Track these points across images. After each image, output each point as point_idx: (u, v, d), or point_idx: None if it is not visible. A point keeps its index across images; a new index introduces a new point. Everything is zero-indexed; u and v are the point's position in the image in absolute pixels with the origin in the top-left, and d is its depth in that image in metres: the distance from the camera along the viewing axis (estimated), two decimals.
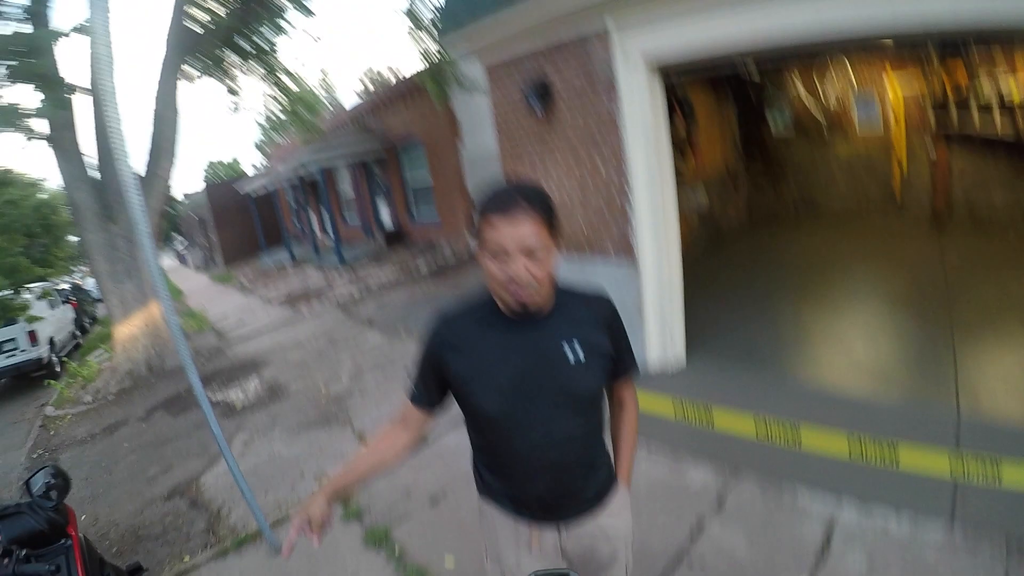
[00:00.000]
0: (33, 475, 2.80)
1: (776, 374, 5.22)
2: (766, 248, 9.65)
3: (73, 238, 14.82)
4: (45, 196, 15.69)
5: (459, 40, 6.17)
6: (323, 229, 21.52)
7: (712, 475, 3.99)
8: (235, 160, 50.09)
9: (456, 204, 14.18)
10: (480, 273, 1.66)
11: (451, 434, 4.92)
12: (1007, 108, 8.27)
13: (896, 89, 9.52)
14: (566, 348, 1.69)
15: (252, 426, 6.28)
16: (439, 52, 11.25)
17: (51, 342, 13.22)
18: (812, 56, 4.71)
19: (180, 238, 40.62)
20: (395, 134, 15.78)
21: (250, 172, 37.66)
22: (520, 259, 1.55)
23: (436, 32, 11.09)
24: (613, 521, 1.88)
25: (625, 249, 5.46)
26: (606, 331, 1.77)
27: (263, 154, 41.98)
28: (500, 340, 1.70)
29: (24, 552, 2.34)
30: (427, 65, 11.56)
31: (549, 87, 5.58)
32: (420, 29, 11.26)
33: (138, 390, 9.55)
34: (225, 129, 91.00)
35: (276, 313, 12.19)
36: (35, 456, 8.16)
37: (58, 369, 12.95)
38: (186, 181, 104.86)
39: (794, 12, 4.08)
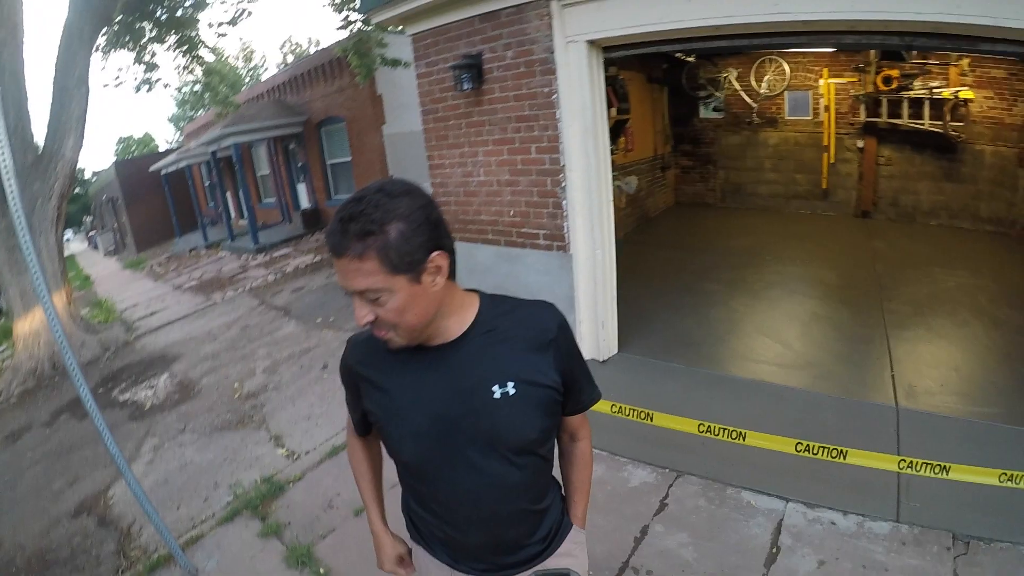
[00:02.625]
0: None
1: (712, 366, 5.11)
2: (694, 234, 9.63)
3: None
4: None
5: (384, 6, 5.73)
6: (239, 210, 20.53)
7: (653, 475, 3.85)
8: (147, 135, 47.52)
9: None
10: None
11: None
12: (935, 103, 8.54)
13: (828, 80, 9.65)
14: (492, 383, 1.38)
15: (162, 429, 5.76)
16: (363, 22, 10.69)
17: None
18: (750, 45, 4.62)
19: (91, 220, 38.14)
20: (315, 109, 15.11)
21: (164, 148, 35.83)
22: (359, 302, 1.27)
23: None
24: (566, 561, 1.60)
25: (557, 237, 5.20)
26: (549, 357, 1.43)
27: (177, 129, 40.01)
28: (414, 375, 1.41)
29: None
30: (350, 36, 11.01)
31: (480, 61, 5.22)
32: None
33: (42, 391, 8.71)
34: (137, 102, 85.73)
35: (188, 301, 11.48)
36: None
37: None
38: (96, 158, 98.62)
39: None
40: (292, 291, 9.72)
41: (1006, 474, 3.10)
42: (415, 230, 1.21)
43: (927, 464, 3.22)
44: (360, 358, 1.49)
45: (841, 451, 3.40)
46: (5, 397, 8.87)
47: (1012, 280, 6.70)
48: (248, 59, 38.09)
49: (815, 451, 3.43)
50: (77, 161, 9.17)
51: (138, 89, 12.01)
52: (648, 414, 3.75)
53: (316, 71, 14.69)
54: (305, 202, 16.75)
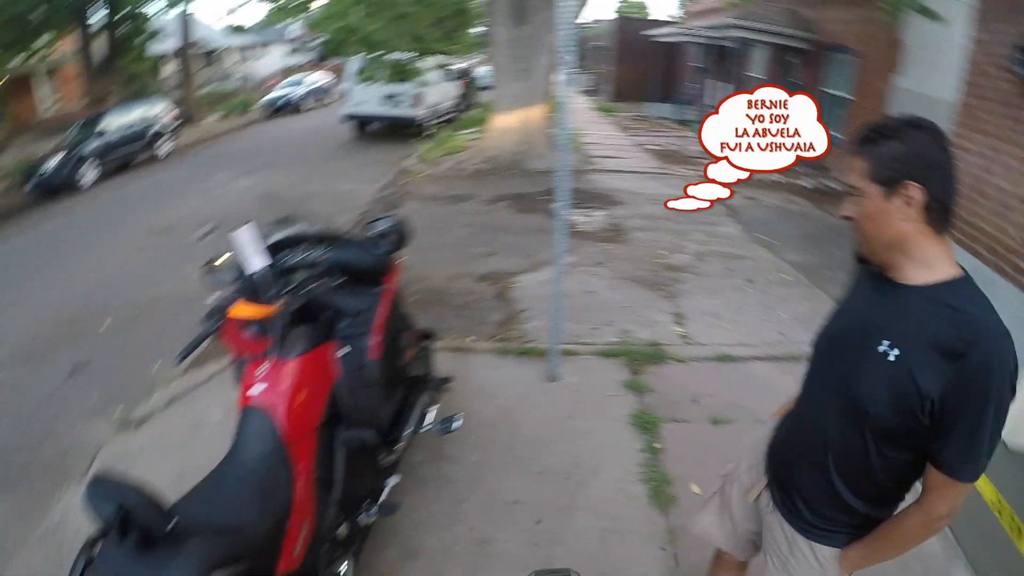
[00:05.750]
0: (378, 219, 2.95)
1: None
2: None
3: (475, 30, 15.88)
4: None
5: None
6: (718, 101, 20.42)
7: None
8: (643, 3, 49.05)
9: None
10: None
11: (761, 363, 4.37)
12: None
13: None
14: (886, 340, 1.33)
15: (582, 254, 6.23)
16: None
17: (431, 108, 15.44)
18: None
19: (573, 59, 41.68)
20: (826, 31, 13.70)
21: (660, 18, 36.83)
22: (847, 199, 1.40)
23: None
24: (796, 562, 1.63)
25: None
26: (944, 370, 1.25)
27: (682, 6, 40.52)
28: (855, 289, 1.54)
29: (342, 279, 2.42)
30: None
31: None
32: None
33: (492, 176, 10.23)
34: None
35: (645, 161, 12.02)
36: (384, 194, 9.42)
37: (429, 133, 14.74)
38: (593, 9, 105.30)
39: None
40: (745, 197, 9.39)
41: None
42: (906, 155, 1.29)
43: None
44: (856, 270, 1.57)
45: None
46: (461, 168, 10.70)
47: None
48: None
49: None
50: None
51: None
52: None
53: None
54: None
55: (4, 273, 8.20)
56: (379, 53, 11.43)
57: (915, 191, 1.27)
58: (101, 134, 14.15)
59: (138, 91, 22.36)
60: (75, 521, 3.22)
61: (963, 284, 1.33)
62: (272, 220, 2.72)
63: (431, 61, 13.54)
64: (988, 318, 1.28)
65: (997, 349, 1.25)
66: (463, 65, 20.53)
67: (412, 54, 11.98)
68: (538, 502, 3.07)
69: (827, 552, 1.58)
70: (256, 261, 2.24)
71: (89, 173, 13.39)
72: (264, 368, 2.15)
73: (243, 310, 2.16)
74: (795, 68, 15.68)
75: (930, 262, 1.33)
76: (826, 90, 14.12)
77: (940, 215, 1.31)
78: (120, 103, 17.25)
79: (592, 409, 3.77)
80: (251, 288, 2.27)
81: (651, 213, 7.96)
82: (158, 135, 15.85)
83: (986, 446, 1.28)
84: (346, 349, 2.40)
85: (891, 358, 1.32)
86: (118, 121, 14.81)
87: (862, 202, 1.34)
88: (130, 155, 15.03)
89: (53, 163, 12.88)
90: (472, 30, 15.57)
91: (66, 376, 4.97)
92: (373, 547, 2.71)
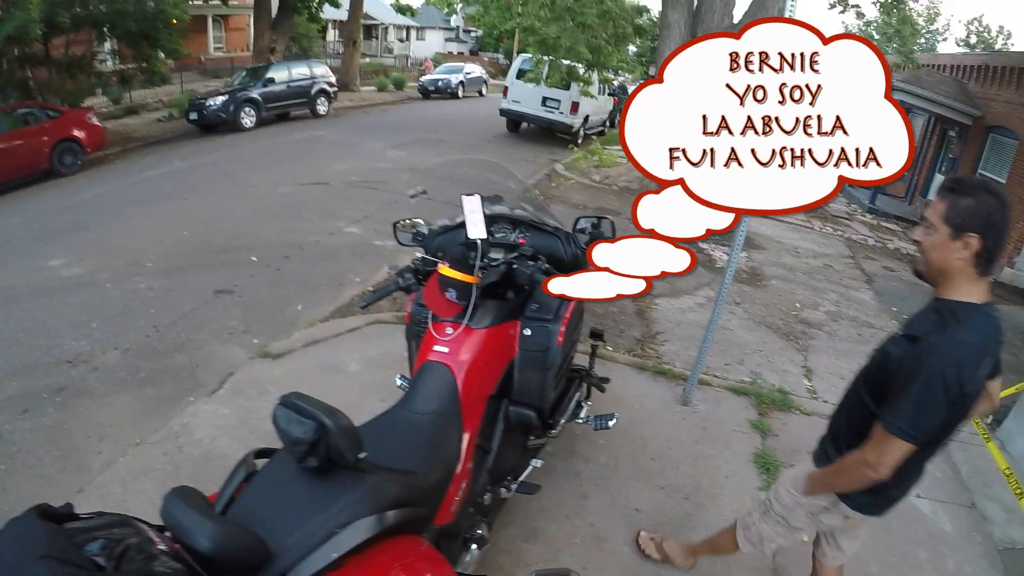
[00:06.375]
0: (585, 216, 3.08)
1: None
2: None
3: (633, 48, 15.80)
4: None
5: None
6: None
7: None
8: None
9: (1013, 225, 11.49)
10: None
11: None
12: None
13: None
14: (903, 328, 1.87)
15: (717, 289, 6.28)
16: None
17: (585, 118, 15.59)
18: None
19: None
20: (992, 110, 13.12)
21: None
22: (921, 226, 1.76)
23: None
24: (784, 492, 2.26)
25: None
26: (904, 352, 1.73)
27: None
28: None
29: (547, 266, 2.56)
30: None
31: None
32: None
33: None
34: None
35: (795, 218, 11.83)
36: (531, 194, 9.53)
37: (579, 141, 15.07)
38: None
39: None
40: (884, 267, 9.17)
41: None
42: (976, 211, 1.62)
43: None
44: None
45: None
46: (609, 183, 11.01)
47: None
48: (931, 20, 34.28)
49: None
50: None
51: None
52: None
53: (1011, 71, 12.59)
54: (933, 191, 15.24)
55: (159, 192, 8.92)
56: (551, 57, 11.65)
57: (974, 240, 1.63)
58: (270, 82, 15.17)
59: (302, 50, 23.80)
60: (198, 431, 3.51)
61: (971, 309, 1.67)
62: (485, 196, 2.89)
63: (595, 74, 13.68)
64: (960, 331, 1.64)
65: (945, 347, 1.63)
66: (617, 83, 20.66)
67: (581, 63, 12.14)
68: (657, 514, 3.18)
69: (811, 471, 2.10)
70: (477, 230, 2.42)
71: (250, 116, 14.42)
72: (453, 331, 2.31)
73: (450, 272, 2.33)
74: (952, 142, 15.09)
75: (964, 293, 1.69)
76: (982, 171, 13.51)
77: (986, 263, 1.66)
78: (285, 58, 18.46)
79: (718, 439, 3.84)
80: (461, 254, 2.45)
81: (789, 263, 7.85)
82: (319, 94, 16.80)
83: (909, 413, 1.65)
84: (529, 331, 2.54)
85: (896, 333, 1.86)
86: (283, 74, 15.82)
87: (932, 234, 1.69)
88: (290, 107, 16.05)
89: (218, 100, 13.98)
90: (631, 47, 15.63)
91: (208, 298, 5.35)
92: (497, 523, 2.81)
